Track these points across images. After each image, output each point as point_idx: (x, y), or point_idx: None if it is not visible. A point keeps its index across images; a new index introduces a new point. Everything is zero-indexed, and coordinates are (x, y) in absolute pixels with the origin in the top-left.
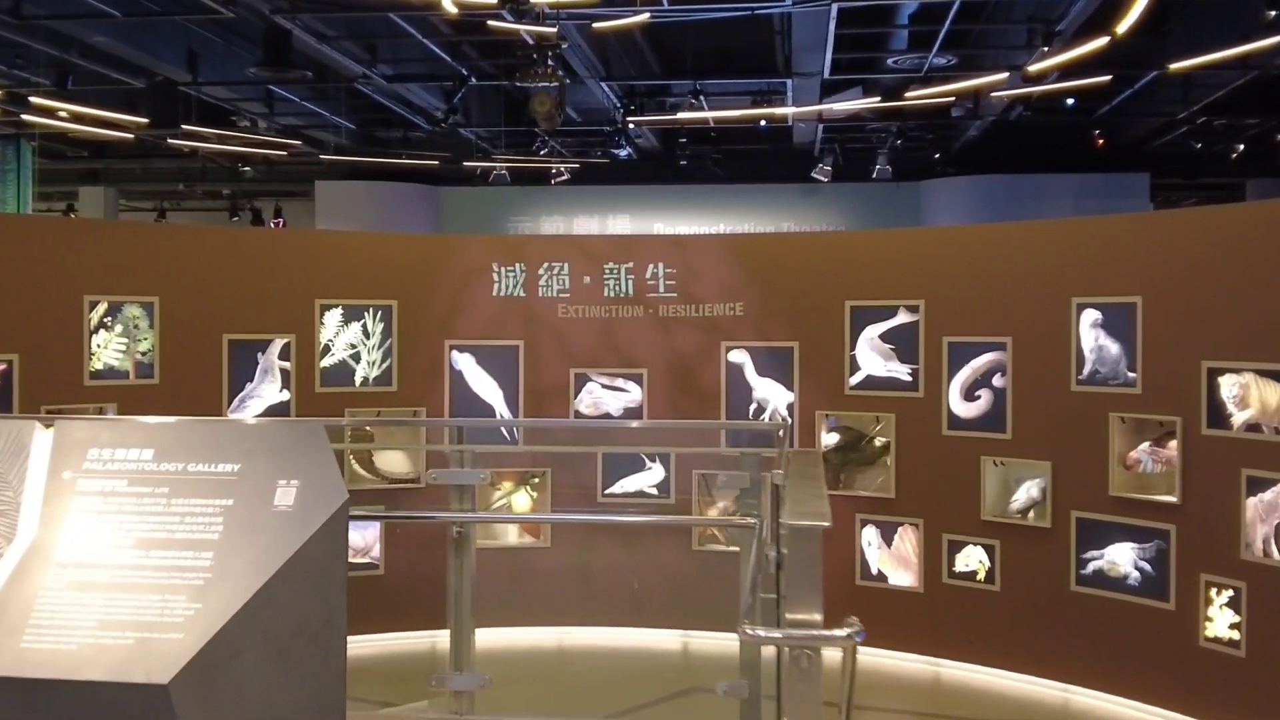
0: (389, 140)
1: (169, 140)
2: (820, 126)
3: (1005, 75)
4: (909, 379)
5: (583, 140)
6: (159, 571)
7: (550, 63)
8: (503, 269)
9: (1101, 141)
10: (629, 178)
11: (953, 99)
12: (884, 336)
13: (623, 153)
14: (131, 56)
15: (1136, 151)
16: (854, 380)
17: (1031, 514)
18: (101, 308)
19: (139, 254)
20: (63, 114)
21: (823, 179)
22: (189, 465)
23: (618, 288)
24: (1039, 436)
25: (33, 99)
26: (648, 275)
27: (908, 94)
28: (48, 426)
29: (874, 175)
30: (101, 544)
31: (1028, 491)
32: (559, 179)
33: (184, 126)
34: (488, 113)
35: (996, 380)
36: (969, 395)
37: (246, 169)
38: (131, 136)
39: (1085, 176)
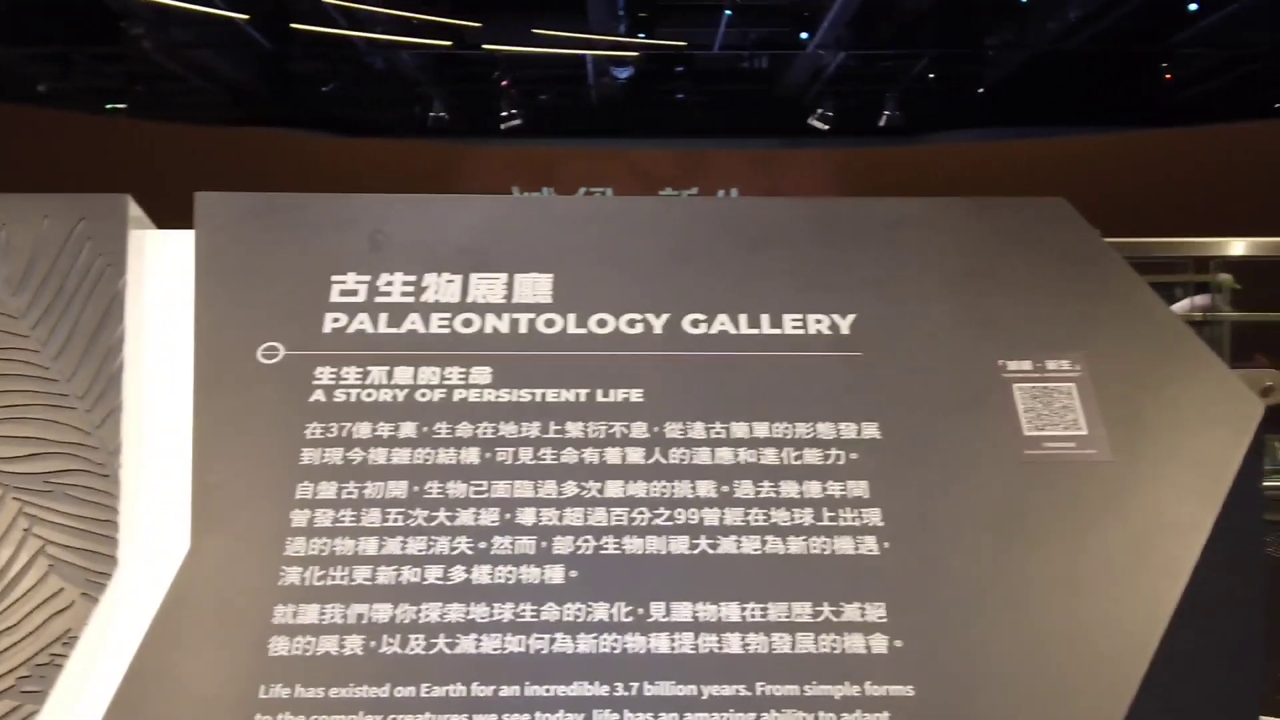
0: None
1: None
2: (836, 59)
3: None
4: None
5: (546, 76)
6: None
7: None
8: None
9: (1169, 77)
10: (582, 129)
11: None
12: None
13: (623, 73)
14: None
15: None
16: None
17: None
18: None
19: None
20: None
21: (822, 126)
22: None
23: None
24: None
25: None
26: None
27: None
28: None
29: (881, 124)
30: None
31: None
32: (510, 123)
33: None
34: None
35: None
36: None
37: None
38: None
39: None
